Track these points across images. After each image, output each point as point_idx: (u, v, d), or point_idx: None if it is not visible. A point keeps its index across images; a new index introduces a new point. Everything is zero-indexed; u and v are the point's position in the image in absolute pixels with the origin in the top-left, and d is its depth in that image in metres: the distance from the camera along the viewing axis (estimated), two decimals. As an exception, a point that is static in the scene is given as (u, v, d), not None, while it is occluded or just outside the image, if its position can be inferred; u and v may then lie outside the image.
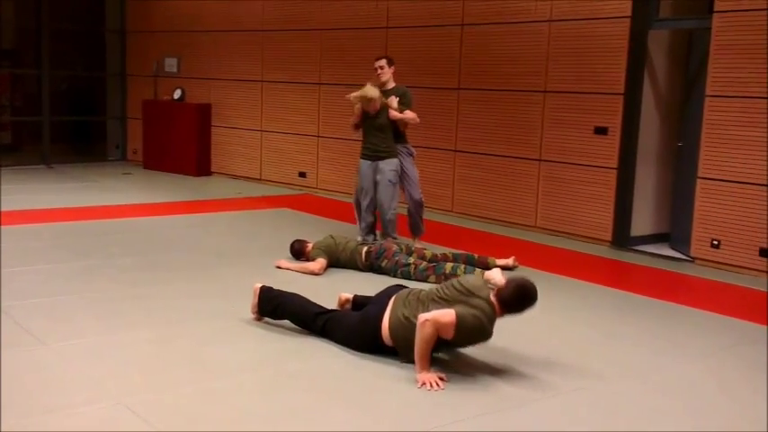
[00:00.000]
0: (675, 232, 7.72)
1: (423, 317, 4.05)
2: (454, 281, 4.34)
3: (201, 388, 3.91)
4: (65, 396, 3.73)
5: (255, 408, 3.73)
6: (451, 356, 4.39)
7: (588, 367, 4.42)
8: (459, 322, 4.02)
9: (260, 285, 4.91)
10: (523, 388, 4.08)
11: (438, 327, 4.03)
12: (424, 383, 3.99)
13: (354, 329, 4.47)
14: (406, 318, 4.24)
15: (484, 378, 4.19)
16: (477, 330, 4.10)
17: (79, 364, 4.15)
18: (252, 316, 4.91)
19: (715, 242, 6.94)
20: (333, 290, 5.63)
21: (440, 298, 4.23)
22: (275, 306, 4.79)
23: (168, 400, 3.75)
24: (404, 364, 4.24)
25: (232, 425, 3.52)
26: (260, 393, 3.91)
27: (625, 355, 4.67)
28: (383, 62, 7.22)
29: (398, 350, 4.30)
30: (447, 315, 4.04)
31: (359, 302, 4.84)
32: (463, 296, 4.15)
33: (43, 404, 3.64)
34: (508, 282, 4.26)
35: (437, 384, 3.99)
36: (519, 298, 4.13)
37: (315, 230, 7.57)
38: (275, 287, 4.91)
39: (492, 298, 4.14)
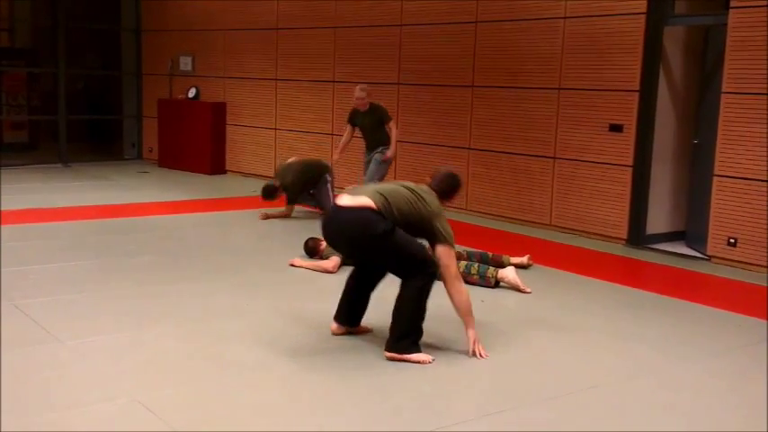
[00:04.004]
0: (691, 230, 7.67)
1: (452, 281, 4.31)
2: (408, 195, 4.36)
3: (217, 385, 3.93)
4: (80, 393, 3.76)
5: (270, 405, 3.75)
6: (463, 355, 4.39)
7: (601, 365, 4.41)
8: (450, 239, 4.34)
9: None
10: (537, 386, 4.07)
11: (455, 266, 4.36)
12: (475, 342, 4.35)
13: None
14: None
15: (496, 375, 4.19)
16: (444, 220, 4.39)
17: (95, 361, 4.18)
18: None
19: (731, 240, 6.89)
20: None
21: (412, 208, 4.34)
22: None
23: (183, 397, 3.77)
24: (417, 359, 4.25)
25: (247, 422, 3.53)
26: (275, 391, 3.93)
27: (638, 353, 4.65)
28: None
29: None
30: (449, 254, 4.33)
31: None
32: (426, 207, 4.34)
33: (58, 401, 3.67)
34: (435, 173, 4.54)
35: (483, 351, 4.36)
36: (450, 184, 4.50)
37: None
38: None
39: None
